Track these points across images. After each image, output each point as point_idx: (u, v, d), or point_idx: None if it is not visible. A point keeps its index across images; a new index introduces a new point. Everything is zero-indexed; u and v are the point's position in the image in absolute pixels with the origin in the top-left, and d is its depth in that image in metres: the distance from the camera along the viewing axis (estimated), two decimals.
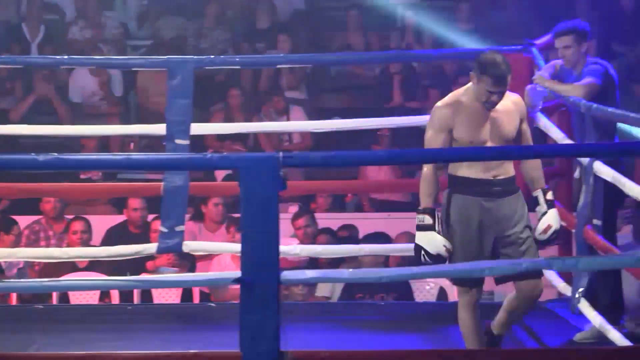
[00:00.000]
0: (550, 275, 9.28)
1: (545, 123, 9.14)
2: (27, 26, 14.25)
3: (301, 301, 10.18)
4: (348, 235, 11.46)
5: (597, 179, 8.30)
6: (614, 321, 8.31)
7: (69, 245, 11.21)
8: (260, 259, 6.00)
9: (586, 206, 8.37)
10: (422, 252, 7.63)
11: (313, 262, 10.66)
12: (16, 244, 11.25)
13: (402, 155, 7.99)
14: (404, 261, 10.48)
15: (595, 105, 8.14)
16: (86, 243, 11.32)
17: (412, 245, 10.52)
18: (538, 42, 9.15)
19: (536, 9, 14.07)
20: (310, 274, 8.70)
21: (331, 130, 10.57)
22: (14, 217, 11.67)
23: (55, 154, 6.46)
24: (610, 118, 8.37)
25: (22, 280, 10.02)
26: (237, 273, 6.07)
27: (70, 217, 11.70)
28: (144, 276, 9.44)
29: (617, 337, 8.06)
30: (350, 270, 10.16)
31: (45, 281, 8.81)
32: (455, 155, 7.47)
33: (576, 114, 8.73)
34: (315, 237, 11.21)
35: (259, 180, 5.99)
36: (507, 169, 7.63)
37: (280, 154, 6.15)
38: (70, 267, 10.83)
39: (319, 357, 6.50)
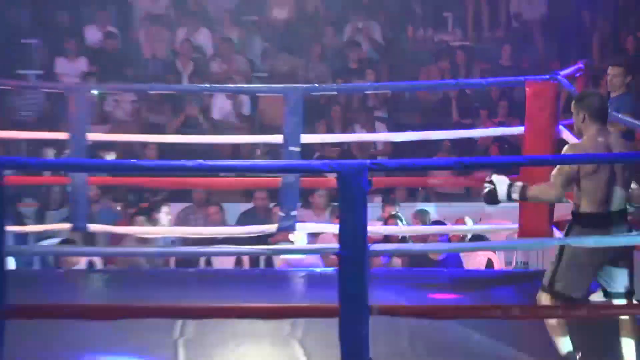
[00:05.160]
0: None
1: (567, 135, 9.09)
2: (180, 62, 14.35)
3: (383, 268, 10.19)
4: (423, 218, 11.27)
5: None
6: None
7: (210, 225, 11.29)
8: (353, 236, 5.99)
9: None
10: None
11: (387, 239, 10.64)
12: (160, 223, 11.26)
13: (460, 162, 8.10)
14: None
15: None
16: (222, 223, 11.41)
17: (462, 226, 10.70)
18: (562, 73, 9.12)
19: (559, 50, 14.04)
20: (389, 247, 8.88)
21: (405, 140, 10.68)
22: (172, 203, 11.82)
23: (200, 160, 6.53)
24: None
25: (176, 248, 10.15)
26: (336, 247, 6.07)
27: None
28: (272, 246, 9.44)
29: None
30: (420, 244, 10.28)
31: (194, 249, 9.02)
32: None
33: None
34: (387, 220, 11.10)
35: (353, 180, 6.04)
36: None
37: (368, 161, 6.27)
38: (209, 241, 10.92)
39: (397, 310, 6.61)
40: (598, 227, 6.56)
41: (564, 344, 6.77)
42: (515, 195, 6.68)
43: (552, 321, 6.74)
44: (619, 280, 6.69)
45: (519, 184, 6.67)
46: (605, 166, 6.51)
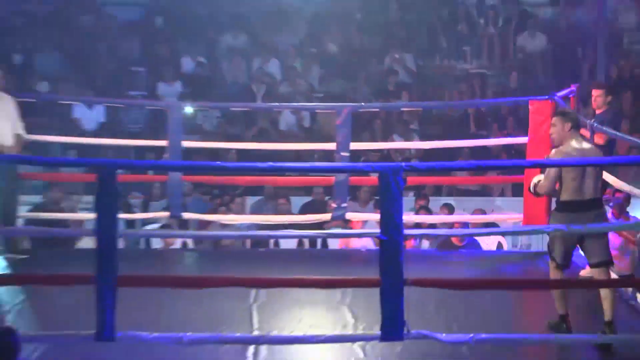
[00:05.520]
0: None
1: None
2: (254, 85, 14.37)
3: (414, 248, 10.17)
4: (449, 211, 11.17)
5: None
6: None
7: (278, 214, 11.28)
8: (391, 223, 5.98)
9: None
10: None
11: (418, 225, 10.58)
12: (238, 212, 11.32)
13: (477, 164, 8.05)
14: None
15: None
16: (287, 212, 11.40)
17: (478, 216, 10.62)
18: (558, 94, 9.06)
19: (556, 76, 13.95)
20: (420, 231, 8.84)
21: (433, 147, 10.67)
22: (248, 197, 11.84)
23: (270, 162, 6.55)
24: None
25: (251, 232, 10.16)
26: (378, 232, 6.07)
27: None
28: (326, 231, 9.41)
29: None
30: (444, 229, 10.23)
31: (265, 232, 9.02)
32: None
33: None
34: (419, 210, 11.07)
35: (391, 179, 6.00)
36: None
37: (403, 164, 6.25)
38: (277, 227, 10.89)
39: (425, 282, 6.58)
40: (573, 212, 6.61)
41: (562, 306, 6.81)
42: (531, 188, 6.90)
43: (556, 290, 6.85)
44: (593, 254, 6.70)
45: (535, 180, 6.84)
46: (575, 167, 6.59)
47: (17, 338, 4.91)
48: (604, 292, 6.67)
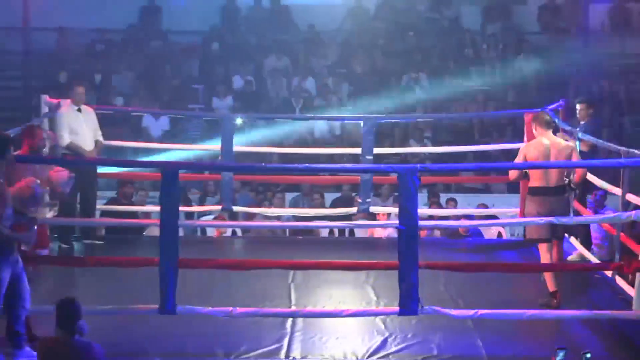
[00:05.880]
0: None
1: None
2: (293, 100, 14.34)
3: (427, 237, 10.07)
4: (454, 205, 11.03)
5: None
6: (587, 248, 8.15)
7: (313, 207, 11.18)
8: (408, 215, 5.92)
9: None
10: None
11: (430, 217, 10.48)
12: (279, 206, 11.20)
13: (480, 166, 7.95)
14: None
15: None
16: (321, 206, 11.30)
17: (481, 209, 10.49)
18: (550, 107, 8.96)
19: (547, 92, 13.80)
20: (432, 223, 8.74)
21: (443, 152, 10.59)
22: (288, 193, 11.78)
23: (307, 164, 6.53)
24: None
25: (290, 223, 10.10)
26: (397, 222, 6.03)
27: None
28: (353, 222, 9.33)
29: (590, 257, 7.96)
30: (453, 221, 10.12)
31: (302, 223, 8.95)
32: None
33: None
34: (431, 205, 10.89)
35: (408, 178, 5.95)
36: None
37: (418, 165, 6.19)
38: (312, 218, 10.81)
39: (437, 264, 6.51)
40: (540, 196, 6.79)
41: (552, 284, 6.85)
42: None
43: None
44: (556, 229, 6.84)
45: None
46: (545, 156, 6.81)
47: (77, 306, 4.93)
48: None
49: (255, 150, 10.90)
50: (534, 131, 7.05)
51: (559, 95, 12.79)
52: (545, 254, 6.90)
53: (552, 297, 6.80)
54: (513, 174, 7.10)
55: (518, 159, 6.92)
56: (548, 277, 6.86)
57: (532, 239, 7.06)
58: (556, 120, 8.55)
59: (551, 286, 6.82)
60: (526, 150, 6.92)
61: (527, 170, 6.93)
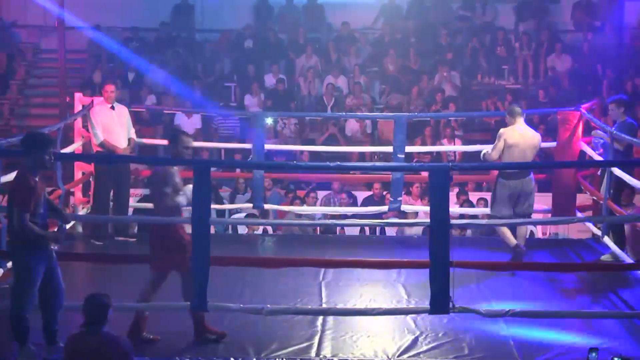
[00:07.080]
0: (589, 225, 8.97)
1: (586, 148, 8.83)
2: (325, 98, 14.30)
3: (459, 236, 10.01)
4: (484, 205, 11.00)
5: (611, 174, 8.01)
6: (621, 248, 8.04)
7: (344, 206, 11.17)
8: (440, 214, 5.88)
9: (607, 188, 8.09)
10: None
11: (461, 216, 10.41)
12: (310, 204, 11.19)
13: (510, 164, 7.89)
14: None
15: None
16: (352, 204, 11.25)
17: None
18: (583, 106, 8.89)
19: (580, 91, 13.66)
20: (464, 221, 8.69)
21: (474, 150, 10.48)
22: (319, 191, 11.77)
23: (338, 162, 6.49)
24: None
25: (321, 221, 10.07)
26: (428, 221, 5.99)
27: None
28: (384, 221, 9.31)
29: (624, 257, 7.87)
30: (484, 220, 10.05)
31: (333, 221, 8.94)
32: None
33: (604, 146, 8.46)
34: (462, 204, 10.83)
35: (439, 176, 5.93)
36: None
37: (449, 164, 6.17)
38: (343, 216, 10.83)
39: (468, 263, 6.45)
40: (511, 178, 7.73)
41: (511, 240, 7.77)
42: (481, 157, 8.06)
43: (503, 229, 7.83)
44: (521, 208, 7.79)
45: (484, 151, 8.00)
46: (518, 143, 7.72)
47: (105, 300, 4.96)
48: (520, 230, 7.98)
49: (286, 148, 10.90)
50: (506, 119, 7.92)
51: (591, 93, 12.70)
52: (505, 229, 7.76)
53: (516, 248, 7.68)
54: (490, 156, 7.82)
55: (499, 142, 7.74)
56: (505, 235, 7.76)
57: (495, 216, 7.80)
58: (592, 119, 8.51)
59: (510, 241, 7.73)
60: (506, 135, 7.76)
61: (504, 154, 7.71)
